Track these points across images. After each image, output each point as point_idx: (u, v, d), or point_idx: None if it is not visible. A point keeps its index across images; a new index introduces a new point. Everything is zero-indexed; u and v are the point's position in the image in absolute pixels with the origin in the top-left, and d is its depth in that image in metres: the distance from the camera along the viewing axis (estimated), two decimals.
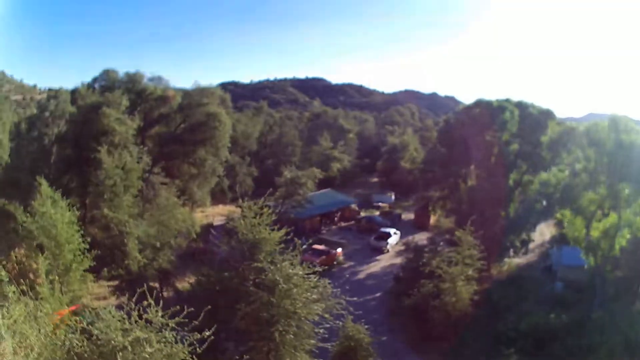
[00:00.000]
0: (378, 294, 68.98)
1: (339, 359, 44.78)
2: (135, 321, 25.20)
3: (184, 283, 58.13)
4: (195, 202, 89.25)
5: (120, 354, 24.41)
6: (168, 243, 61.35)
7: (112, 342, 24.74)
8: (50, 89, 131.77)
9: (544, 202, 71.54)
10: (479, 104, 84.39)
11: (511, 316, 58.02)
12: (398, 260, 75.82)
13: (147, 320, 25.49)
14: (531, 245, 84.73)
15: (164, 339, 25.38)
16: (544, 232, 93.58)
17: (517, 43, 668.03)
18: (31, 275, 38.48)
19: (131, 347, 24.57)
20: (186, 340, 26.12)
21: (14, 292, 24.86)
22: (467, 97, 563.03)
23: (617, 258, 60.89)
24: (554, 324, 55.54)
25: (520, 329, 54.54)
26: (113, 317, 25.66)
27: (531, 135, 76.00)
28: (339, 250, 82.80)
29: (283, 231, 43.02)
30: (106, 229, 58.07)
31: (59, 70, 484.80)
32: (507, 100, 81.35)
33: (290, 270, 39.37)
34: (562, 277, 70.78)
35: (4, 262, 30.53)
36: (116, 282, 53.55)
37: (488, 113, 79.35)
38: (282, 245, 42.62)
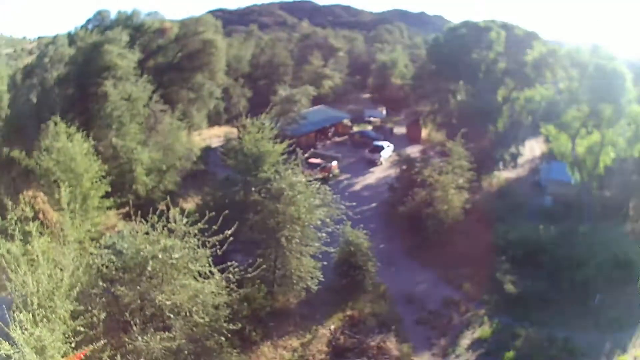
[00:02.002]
0: (374, 204, 71.12)
1: (340, 263, 47.77)
2: (160, 232, 28.04)
3: (189, 204, 60.60)
4: (193, 126, 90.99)
5: (151, 262, 27.13)
6: (173, 165, 63.90)
7: (142, 252, 27.50)
8: (40, 38, 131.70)
9: (529, 118, 73.31)
10: (466, 24, 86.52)
11: (501, 226, 59.67)
12: (392, 172, 77.57)
13: (169, 230, 28.32)
14: (521, 161, 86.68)
15: (187, 245, 28.26)
16: (534, 148, 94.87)
17: None
18: (41, 215, 41.08)
19: (160, 255, 27.35)
20: (207, 244, 29.01)
21: (35, 228, 25.99)
22: (455, 17, 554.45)
23: (603, 177, 63.41)
24: (543, 236, 57.78)
25: (510, 239, 56.68)
26: (137, 232, 28.46)
27: (517, 55, 77.81)
28: (334, 163, 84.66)
29: (285, 143, 45.80)
30: (114, 159, 60.00)
31: (47, 18, 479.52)
32: (493, 22, 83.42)
33: (294, 178, 42.19)
34: (551, 192, 72.85)
35: (15, 207, 32.57)
36: (125, 210, 54.04)
37: (474, 33, 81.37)
38: (284, 157, 45.47)
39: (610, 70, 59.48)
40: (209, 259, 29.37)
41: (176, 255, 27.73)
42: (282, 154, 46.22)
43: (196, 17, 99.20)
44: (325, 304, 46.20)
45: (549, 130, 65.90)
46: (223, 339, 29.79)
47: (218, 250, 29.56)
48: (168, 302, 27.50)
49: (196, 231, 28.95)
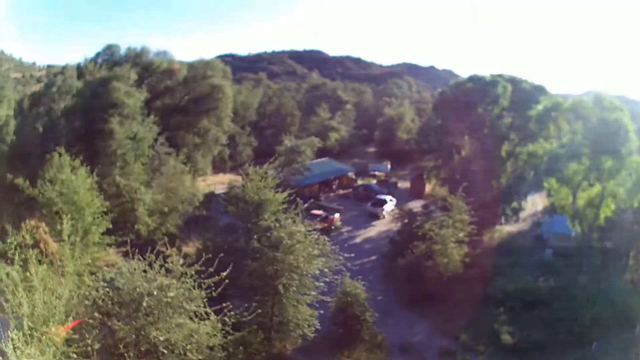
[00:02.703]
0: (374, 257, 71.24)
1: (337, 313, 47.68)
2: (157, 271, 28.28)
3: (189, 248, 60.80)
4: (197, 171, 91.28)
5: (146, 298, 27.36)
6: (175, 208, 64.24)
7: (138, 289, 27.73)
8: (49, 66, 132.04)
9: (532, 173, 73.38)
10: (472, 78, 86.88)
11: (500, 279, 59.85)
12: (393, 226, 77.29)
13: (167, 270, 28.57)
14: (523, 215, 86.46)
15: (184, 285, 28.48)
16: (536, 202, 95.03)
17: (518, 18, 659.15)
18: (42, 245, 41.37)
19: (156, 292, 27.57)
20: (203, 285, 29.20)
21: (35, 256, 26.73)
22: (464, 71, 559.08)
23: (604, 228, 63.40)
24: (542, 288, 57.60)
25: (509, 291, 56.67)
26: (135, 269, 28.72)
27: (523, 109, 78.04)
28: (337, 215, 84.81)
29: (286, 193, 46.25)
30: (116, 197, 60.36)
31: (58, 47, 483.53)
32: (500, 76, 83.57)
33: (294, 228, 42.37)
34: (551, 245, 72.38)
35: (16, 233, 32.83)
36: (125, 249, 54.93)
37: (480, 87, 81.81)
38: (285, 205, 45.81)
39: (612, 122, 60.07)
40: (205, 301, 29.47)
41: (171, 294, 27.91)
42: (283, 203, 46.63)
43: (205, 61, 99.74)
44: (322, 353, 46.12)
45: (551, 184, 66.09)
46: None
47: (213, 292, 29.59)
48: (162, 339, 27.60)
49: (193, 272, 29.03)
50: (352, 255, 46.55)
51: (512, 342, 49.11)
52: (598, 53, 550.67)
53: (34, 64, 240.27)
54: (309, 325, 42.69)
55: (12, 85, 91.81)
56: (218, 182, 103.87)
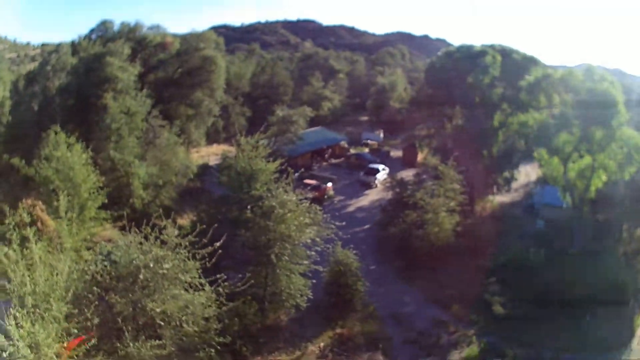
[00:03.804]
0: (367, 226, 71.69)
1: (330, 282, 48.37)
2: (153, 243, 28.84)
3: (184, 220, 61.29)
4: (191, 143, 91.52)
5: (143, 271, 27.92)
6: (170, 181, 64.73)
7: (134, 261, 28.29)
8: (44, 44, 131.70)
9: (523, 142, 73.85)
10: (461, 48, 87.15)
11: (492, 249, 60.55)
12: (386, 195, 77.58)
13: (162, 242, 29.12)
14: (516, 185, 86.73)
15: (178, 256, 29.05)
16: (529, 173, 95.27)
17: None
18: (39, 224, 41.87)
19: (152, 264, 28.13)
20: (197, 256, 29.77)
21: (33, 234, 26.79)
22: (458, 41, 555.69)
23: (595, 201, 64.09)
24: (533, 258, 57.89)
25: (500, 261, 57.50)
26: (131, 242, 29.28)
27: (514, 80, 78.34)
28: (329, 184, 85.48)
29: (277, 162, 46.69)
30: (111, 171, 60.77)
31: (51, 25, 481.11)
32: (491, 46, 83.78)
33: (285, 197, 42.98)
34: (543, 215, 73.48)
35: (13, 213, 33.26)
36: (121, 223, 55.28)
37: (469, 57, 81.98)
38: (277, 175, 46.35)
39: (602, 93, 60.08)
40: (200, 272, 29.97)
41: (167, 266, 28.42)
42: (275, 172, 47.13)
43: (198, 33, 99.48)
44: (315, 322, 46.76)
45: (541, 155, 66.44)
46: (213, 351, 30.38)
47: (208, 263, 30.15)
48: (158, 310, 28.21)
49: (187, 243, 29.65)
50: (344, 224, 47.12)
51: (504, 313, 49.77)
52: (594, 27, 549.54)
53: (28, 43, 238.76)
54: (301, 295, 43.35)
55: (7, 66, 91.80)
56: (212, 153, 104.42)
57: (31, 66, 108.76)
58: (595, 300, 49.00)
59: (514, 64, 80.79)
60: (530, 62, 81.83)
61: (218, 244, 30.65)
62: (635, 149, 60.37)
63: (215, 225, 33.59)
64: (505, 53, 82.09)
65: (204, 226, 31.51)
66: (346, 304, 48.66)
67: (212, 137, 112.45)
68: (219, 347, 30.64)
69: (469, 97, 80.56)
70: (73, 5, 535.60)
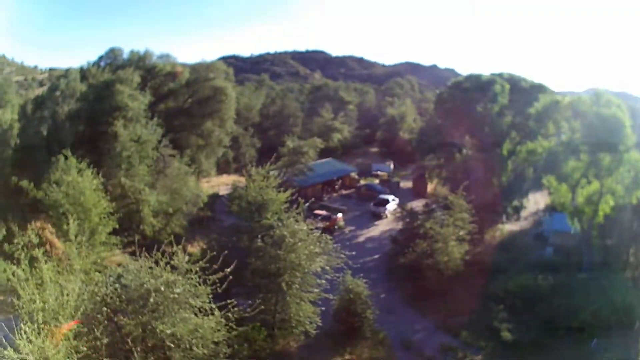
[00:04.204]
0: (377, 256, 71.86)
1: (340, 310, 48.50)
2: (163, 268, 29.05)
3: (194, 248, 61.50)
4: (201, 173, 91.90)
5: (153, 294, 28.09)
6: (180, 209, 65.06)
7: (145, 285, 28.47)
8: (51, 69, 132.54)
9: (532, 170, 73.98)
10: (469, 78, 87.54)
11: (501, 277, 60.33)
12: (396, 226, 77.06)
13: (172, 267, 29.34)
14: (525, 214, 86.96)
15: (189, 281, 29.24)
16: (538, 201, 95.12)
17: (520, 17, 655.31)
18: (48, 246, 42.17)
19: (163, 288, 28.32)
20: (208, 281, 29.95)
21: (42, 254, 27.22)
22: (466, 70, 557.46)
23: (603, 226, 63.83)
24: (542, 285, 57.68)
25: (509, 289, 57.34)
26: (142, 266, 29.50)
27: (523, 108, 78.52)
28: (340, 215, 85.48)
29: (288, 192, 47.18)
30: (122, 198, 61.10)
31: (60, 50, 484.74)
32: (500, 75, 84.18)
33: (296, 226, 43.15)
34: (552, 242, 72.98)
35: (22, 234, 33.50)
36: (131, 249, 55.33)
37: (478, 87, 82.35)
38: (287, 205, 46.65)
39: (609, 117, 60.24)
40: (210, 298, 30.13)
41: (178, 290, 28.56)
42: (285, 202, 47.53)
43: (207, 63, 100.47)
44: (324, 349, 46.77)
45: (550, 182, 66.46)
46: None
47: (219, 289, 30.23)
48: (168, 332, 28.28)
49: (197, 269, 29.83)
50: (354, 253, 47.61)
51: (512, 339, 49.68)
52: (599, 51, 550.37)
53: (35, 67, 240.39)
54: (310, 322, 43.55)
55: (15, 89, 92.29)
56: (222, 184, 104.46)
57: (39, 91, 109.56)
58: (602, 325, 49.19)
59: (522, 91, 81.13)
60: (538, 89, 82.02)
61: (228, 269, 30.74)
62: None
63: (226, 252, 33.72)
64: (514, 81, 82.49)
65: (214, 253, 31.69)
66: (355, 331, 48.71)
67: (222, 168, 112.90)
68: None
69: (478, 127, 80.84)
70: (81, 31, 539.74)
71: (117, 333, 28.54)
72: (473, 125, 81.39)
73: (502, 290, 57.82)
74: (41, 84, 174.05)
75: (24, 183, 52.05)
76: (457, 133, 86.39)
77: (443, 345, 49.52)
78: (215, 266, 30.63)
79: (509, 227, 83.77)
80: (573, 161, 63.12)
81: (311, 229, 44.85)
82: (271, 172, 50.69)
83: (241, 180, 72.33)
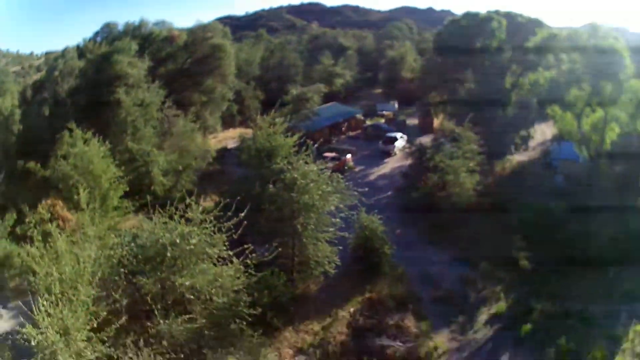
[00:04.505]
0: (389, 193, 72.00)
1: (357, 248, 48.99)
2: (178, 221, 29.23)
3: (207, 203, 61.76)
4: (207, 129, 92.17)
5: (169, 248, 28.24)
6: (189, 165, 65.26)
7: (160, 240, 28.66)
8: (47, 53, 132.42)
9: (535, 100, 74.05)
10: (466, 15, 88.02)
11: (514, 206, 60.36)
12: (405, 162, 77.59)
13: (187, 219, 29.52)
14: (533, 144, 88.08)
15: (205, 230, 29.41)
16: (545, 131, 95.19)
17: None
18: (60, 221, 42.38)
19: (178, 240, 28.45)
20: (223, 228, 30.16)
21: (54, 228, 27.66)
22: (463, 10, 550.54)
23: (611, 153, 64.14)
24: (556, 211, 57.52)
25: (524, 218, 57.37)
26: (156, 223, 29.70)
27: (522, 42, 78.51)
28: (349, 156, 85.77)
29: (296, 136, 47.18)
30: (130, 162, 61.18)
31: (53, 33, 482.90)
32: (496, 12, 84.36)
33: (306, 168, 43.33)
34: (561, 171, 73.58)
35: (33, 212, 33.80)
36: (145, 211, 55.33)
37: (475, 24, 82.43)
38: (296, 149, 46.74)
39: (608, 48, 60.38)
40: (226, 245, 30.40)
41: (193, 241, 28.84)
42: (294, 146, 47.63)
43: (204, 24, 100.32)
44: (344, 289, 47.05)
45: (555, 111, 66.31)
46: (244, 323, 30.71)
47: (234, 235, 30.53)
48: (187, 283, 28.61)
49: (212, 218, 30.19)
50: (367, 190, 47.47)
51: (530, 268, 50.03)
52: None
53: (31, 54, 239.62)
54: (329, 262, 43.68)
55: (13, 79, 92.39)
56: (229, 137, 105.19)
57: (37, 76, 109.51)
58: (619, 251, 49.26)
59: (520, 27, 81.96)
60: (535, 24, 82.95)
61: (242, 214, 31.07)
62: None
63: (239, 199, 33.89)
64: (510, 17, 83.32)
65: (228, 200, 31.92)
66: (374, 269, 48.99)
67: (227, 122, 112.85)
68: (250, 319, 30.90)
69: (478, 62, 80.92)
70: (74, 12, 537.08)
71: (137, 293, 28.90)
72: (473, 60, 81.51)
73: (517, 219, 57.88)
74: (38, 69, 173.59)
75: (31, 165, 52.31)
76: (458, 69, 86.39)
77: (462, 277, 49.85)
78: (229, 213, 30.90)
79: (518, 157, 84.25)
80: (575, 90, 62.99)
81: (321, 169, 45.07)
82: (277, 119, 50.63)
83: (248, 133, 72.51)
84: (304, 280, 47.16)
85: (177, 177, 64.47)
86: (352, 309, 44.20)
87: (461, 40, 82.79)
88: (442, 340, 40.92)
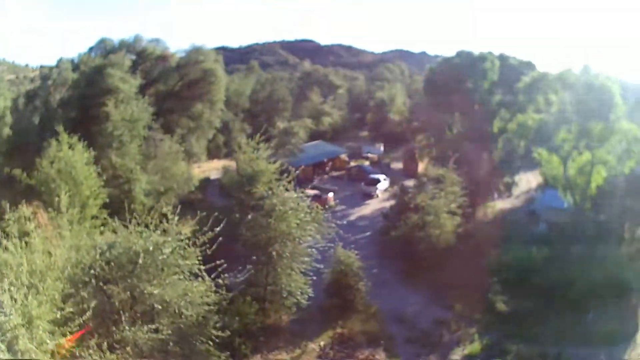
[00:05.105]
0: (368, 233, 71.77)
1: (332, 282, 48.52)
2: (153, 230, 28.94)
3: (185, 229, 61.40)
4: (192, 157, 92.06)
5: (142, 255, 27.96)
6: (171, 188, 64.99)
7: (134, 246, 28.34)
8: (42, 66, 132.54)
9: (522, 143, 74.04)
10: (460, 54, 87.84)
11: (494, 251, 60.33)
12: (387, 204, 78.01)
13: (163, 230, 29.24)
14: (517, 192, 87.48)
15: (179, 243, 29.10)
16: (530, 180, 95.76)
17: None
18: (39, 223, 42.08)
19: (151, 248, 28.16)
20: (197, 242, 29.87)
21: (32, 229, 27.68)
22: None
23: (596, 199, 63.93)
24: (536, 258, 57.85)
25: (503, 262, 57.33)
26: (131, 231, 29.39)
27: (513, 85, 78.90)
28: (330, 194, 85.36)
29: (278, 163, 47.08)
30: (113, 178, 61.07)
31: (51, 46, 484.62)
32: (489, 53, 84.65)
33: (286, 194, 43.09)
34: (545, 219, 73.07)
35: (14, 210, 33.59)
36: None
37: (469, 63, 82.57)
38: (278, 176, 46.59)
39: (599, 87, 60.59)
40: (200, 260, 30.16)
41: (167, 251, 28.60)
42: (274, 173, 47.35)
43: (197, 47, 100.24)
44: (316, 322, 46.80)
45: (541, 154, 66.44)
46: (212, 344, 30.54)
47: (208, 250, 30.38)
48: (156, 292, 28.24)
49: (187, 232, 29.79)
50: (345, 223, 47.63)
51: (507, 311, 49.83)
52: (589, 34, 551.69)
53: (26, 65, 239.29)
54: (302, 293, 43.35)
55: (7, 86, 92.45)
56: (213, 168, 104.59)
57: (31, 87, 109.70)
58: (598, 297, 49.15)
59: (512, 69, 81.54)
60: (527, 66, 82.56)
61: (218, 228, 31.29)
62: (635, 141, 60.55)
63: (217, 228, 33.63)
64: (503, 59, 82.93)
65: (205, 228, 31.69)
66: (348, 304, 48.70)
67: (213, 153, 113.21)
68: (217, 341, 30.85)
69: (468, 103, 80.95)
70: (70, 28, 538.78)
71: (105, 299, 28.45)
72: (463, 101, 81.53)
73: (496, 263, 57.78)
74: (32, 81, 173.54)
75: (17, 171, 52.04)
76: (447, 111, 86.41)
77: (437, 319, 49.50)
78: (205, 229, 30.69)
79: (500, 204, 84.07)
80: (564, 132, 63.11)
81: (301, 197, 44.88)
82: (261, 145, 50.53)
83: (232, 165, 72.42)
84: (277, 311, 46.71)
85: (157, 199, 63.99)
86: (322, 343, 43.94)
87: (453, 78, 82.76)
88: None
